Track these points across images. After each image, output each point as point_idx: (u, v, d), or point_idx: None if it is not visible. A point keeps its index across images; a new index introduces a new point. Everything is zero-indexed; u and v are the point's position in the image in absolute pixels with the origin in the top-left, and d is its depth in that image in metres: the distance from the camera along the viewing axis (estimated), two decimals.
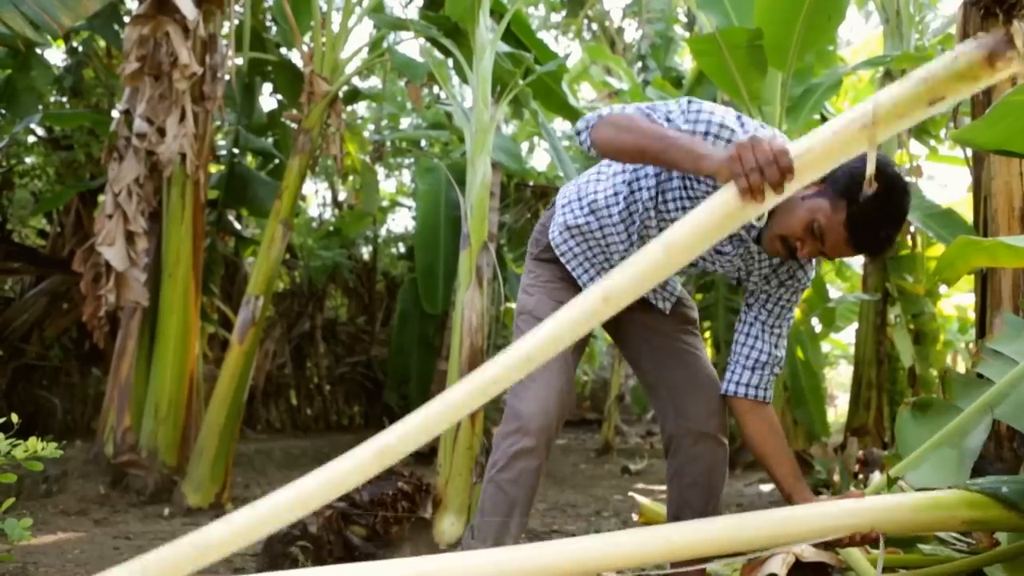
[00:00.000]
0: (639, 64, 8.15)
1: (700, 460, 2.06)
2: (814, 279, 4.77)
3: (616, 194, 2.00)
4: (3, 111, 5.24)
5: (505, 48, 4.25)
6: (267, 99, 10.15)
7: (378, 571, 1.40)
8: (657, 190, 1.93)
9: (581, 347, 2.13)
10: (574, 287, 2.08)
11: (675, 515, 2.11)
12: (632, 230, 2.00)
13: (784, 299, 2.00)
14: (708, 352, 6.34)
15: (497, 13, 4.35)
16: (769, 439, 1.97)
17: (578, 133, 1.83)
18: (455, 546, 3.24)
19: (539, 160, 9.55)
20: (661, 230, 1.96)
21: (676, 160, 1.58)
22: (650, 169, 1.93)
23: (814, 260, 1.93)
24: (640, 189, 1.96)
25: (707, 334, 6.32)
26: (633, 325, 2.15)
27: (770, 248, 1.79)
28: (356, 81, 6.09)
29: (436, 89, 7.24)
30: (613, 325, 2.16)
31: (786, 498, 1.93)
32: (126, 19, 4.88)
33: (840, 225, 1.63)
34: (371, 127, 8.58)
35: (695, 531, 1.61)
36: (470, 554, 1.49)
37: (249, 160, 6.71)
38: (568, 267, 2.10)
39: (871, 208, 1.61)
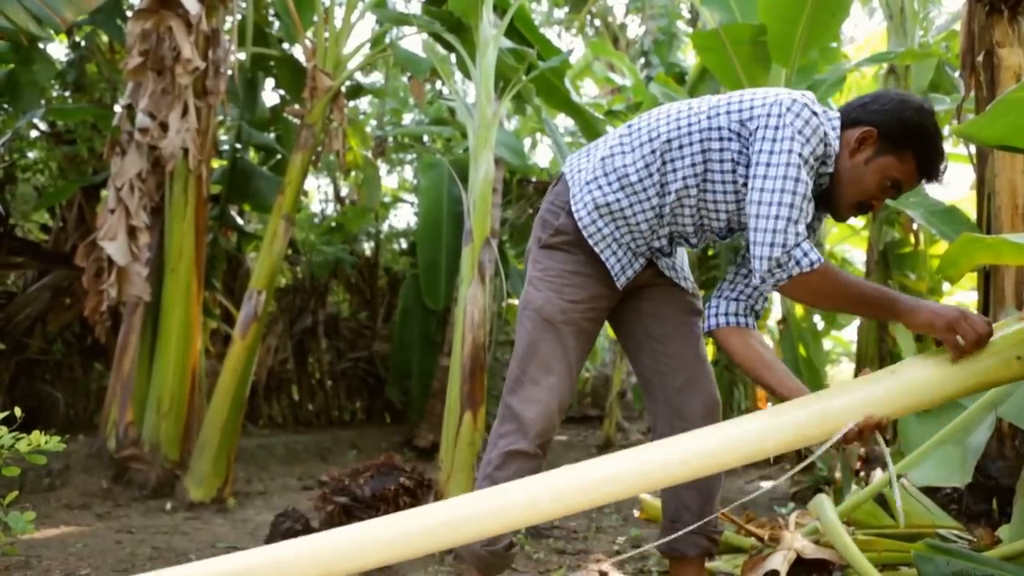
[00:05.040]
0: (642, 60, 8.13)
1: None
2: None
3: (647, 166, 1.85)
4: (6, 106, 5.25)
5: (508, 44, 4.25)
6: (269, 94, 10.16)
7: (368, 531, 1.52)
8: (704, 157, 1.81)
9: (588, 349, 2.02)
10: (587, 280, 1.95)
11: (672, 518, 2.03)
12: (665, 210, 1.87)
13: None
14: (708, 349, 6.37)
15: (500, 9, 4.34)
16: (759, 349, 1.87)
17: (779, 264, 1.68)
18: None
19: (542, 156, 9.57)
20: (700, 211, 1.88)
21: (878, 317, 1.83)
22: (694, 137, 1.82)
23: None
24: (676, 160, 1.83)
25: None
26: (638, 314, 2.05)
27: (844, 215, 1.86)
28: (359, 76, 6.09)
29: (439, 84, 7.24)
30: (617, 313, 2.07)
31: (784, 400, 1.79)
32: (129, 14, 4.87)
33: (913, 171, 1.78)
34: (373, 122, 8.58)
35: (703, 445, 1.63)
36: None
37: (251, 155, 6.70)
38: (596, 249, 1.92)
39: (929, 144, 1.76)
